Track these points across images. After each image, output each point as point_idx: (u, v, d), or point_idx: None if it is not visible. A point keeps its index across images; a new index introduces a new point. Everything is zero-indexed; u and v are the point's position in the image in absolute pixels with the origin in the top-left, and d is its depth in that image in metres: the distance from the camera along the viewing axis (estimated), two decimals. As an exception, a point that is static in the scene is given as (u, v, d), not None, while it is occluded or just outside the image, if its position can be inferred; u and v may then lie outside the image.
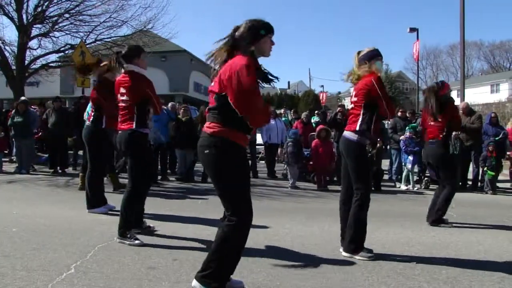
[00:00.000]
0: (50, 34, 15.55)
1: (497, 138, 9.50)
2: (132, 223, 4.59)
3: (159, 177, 9.77)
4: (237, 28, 3.08)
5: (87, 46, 14.49)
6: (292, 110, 16.90)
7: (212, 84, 3.05)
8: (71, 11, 15.16)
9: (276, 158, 11.55)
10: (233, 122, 2.92)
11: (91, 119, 6.03)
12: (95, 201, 6.02)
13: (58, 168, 10.78)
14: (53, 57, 17.21)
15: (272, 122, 10.69)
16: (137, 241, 4.34)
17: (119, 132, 4.67)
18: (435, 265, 3.91)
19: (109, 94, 5.45)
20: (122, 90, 4.62)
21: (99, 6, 15.11)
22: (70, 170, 11.13)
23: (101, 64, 5.91)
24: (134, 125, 4.53)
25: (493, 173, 9.13)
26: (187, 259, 3.89)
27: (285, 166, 10.46)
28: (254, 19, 3.10)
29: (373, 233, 5.08)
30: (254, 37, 3.02)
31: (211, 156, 2.93)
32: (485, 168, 9.26)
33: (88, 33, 15.59)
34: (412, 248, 4.49)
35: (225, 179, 2.96)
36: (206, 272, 2.97)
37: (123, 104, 4.62)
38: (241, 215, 2.95)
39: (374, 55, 4.33)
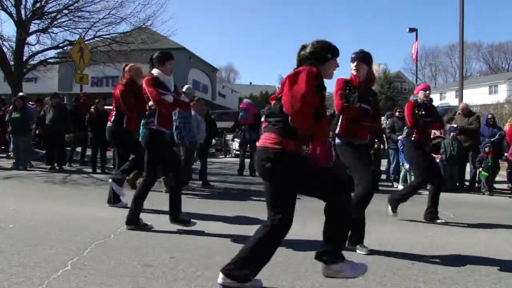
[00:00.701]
0: (49, 30, 15.53)
1: (492, 139, 9.51)
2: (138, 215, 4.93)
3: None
4: (304, 47, 3.10)
5: (86, 42, 14.47)
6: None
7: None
8: (70, 7, 15.15)
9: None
10: (288, 129, 2.90)
11: (112, 119, 6.07)
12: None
13: (56, 164, 10.75)
14: (52, 53, 17.22)
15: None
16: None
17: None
18: (431, 265, 3.91)
19: (133, 96, 5.67)
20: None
21: (98, 3, 15.13)
22: (67, 166, 11.11)
23: (128, 66, 6.01)
24: (144, 122, 5.02)
25: (487, 174, 9.16)
26: (183, 257, 3.88)
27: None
28: (322, 41, 3.11)
29: (370, 233, 5.07)
30: (320, 60, 3.06)
31: (271, 170, 2.95)
32: (480, 169, 9.28)
33: (87, 29, 15.58)
34: (409, 248, 4.50)
35: (284, 190, 3.02)
36: (231, 266, 3.07)
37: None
38: (281, 224, 3.07)
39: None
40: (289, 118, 2.86)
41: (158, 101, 4.80)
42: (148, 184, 5.06)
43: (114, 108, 6.08)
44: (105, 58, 15.89)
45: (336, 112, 4.44)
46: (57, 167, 10.70)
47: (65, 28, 15.65)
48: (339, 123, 4.46)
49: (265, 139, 2.99)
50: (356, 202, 4.14)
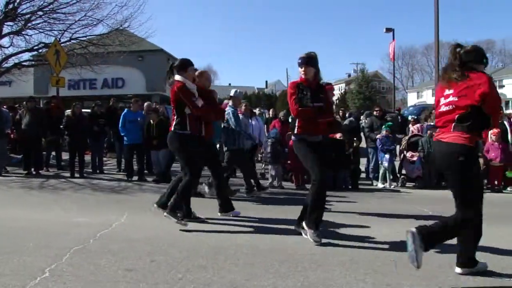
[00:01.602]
0: (23, 32, 15.14)
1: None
2: (180, 206, 5.28)
3: (136, 178, 9.67)
4: (461, 46, 3.57)
5: (62, 45, 14.20)
6: (271, 110, 16.86)
7: (455, 98, 3.45)
8: (44, 9, 14.78)
9: (255, 158, 11.55)
10: (476, 130, 3.43)
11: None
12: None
13: (32, 169, 10.55)
14: (26, 56, 16.81)
15: (248, 121, 10.67)
16: (183, 222, 5.02)
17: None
18: (411, 261, 3.95)
19: (205, 101, 5.73)
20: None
21: (74, 4, 14.81)
22: (44, 171, 10.91)
23: (197, 72, 6.06)
24: (173, 127, 5.26)
25: None
26: (165, 260, 3.85)
27: (263, 165, 10.48)
28: (479, 46, 3.65)
29: (350, 230, 5.13)
30: (480, 60, 3.52)
31: (464, 163, 3.39)
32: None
33: (63, 31, 15.24)
34: (389, 245, 4.54)
35: (472, 183, 3.49)
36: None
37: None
38: (472, 215, 3.50)
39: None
40: (492, 119, 3.41)
41: (196, 107, 5.16)
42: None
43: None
44: (82, 61, 15.62)
45: (293, 115, 4.85)
46: (34, 172, 10.51)
47: (40, 30, 15.27)
48: (296, 124, 4.81)
49: (456, 136, 3.40)
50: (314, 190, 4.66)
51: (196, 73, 6.04)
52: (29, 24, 15.04)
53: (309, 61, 4.81)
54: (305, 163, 4.80)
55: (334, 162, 8.42)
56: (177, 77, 5.29)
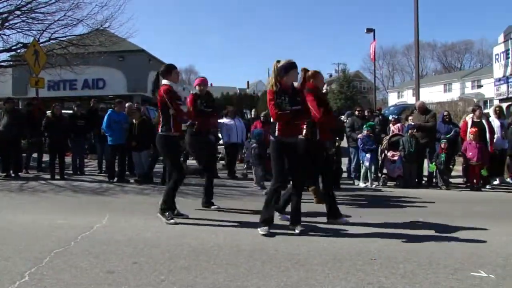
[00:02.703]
0: (0, 32, 14.91)
1: (447, 136, 9.85)
2: (170, 206, 5.57)
3: (116, 179, 9.58)
4: None
5: (41, 45, 13.97)
6: (253, 110, 16.87)
7: None
8: (22, 8, 14.54)
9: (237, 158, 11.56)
10: None
11: (304, 132, 5.80)
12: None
13: (11, 171, 10.37)
14: (4, 56, 16.56)
15: (231, 122, 10.70)
16: (172, 220, 5.34)
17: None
18: (392, 260, 4.01)
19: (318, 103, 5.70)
20: None
21: (53, 4, 14.59)
22: (23, 173, 10.73)
23: (310, 73, 5.86)
24: (159, 129, 5.61)
25: (434, 167, 9.48)
26: (147, 262, 3.83)
27: (245, 166, 10.48)
28: None
29: (332, 230, 5.17)
30: None
31: None
32: (432, 164, 9.56)
33: (42, 31, 15.00)
34: (371, 244, 4.59)
35: None
36: None
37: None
38: None
39: None
40: None
41: (179, 111, 5.51)
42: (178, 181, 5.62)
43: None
44: (61, 61, 15.42)
45: (272, 120, 5.15)
46: (13, 174, 10.33)
47: (18, 30, 15.01)
48: (276, 127, 5.07)
49: None
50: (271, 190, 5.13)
51: (309, 73, 5.83)
52: (7, 24, 14.77)
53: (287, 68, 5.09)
54: (273, 164, 5.14)
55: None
56: (164, 81, 5.62)
